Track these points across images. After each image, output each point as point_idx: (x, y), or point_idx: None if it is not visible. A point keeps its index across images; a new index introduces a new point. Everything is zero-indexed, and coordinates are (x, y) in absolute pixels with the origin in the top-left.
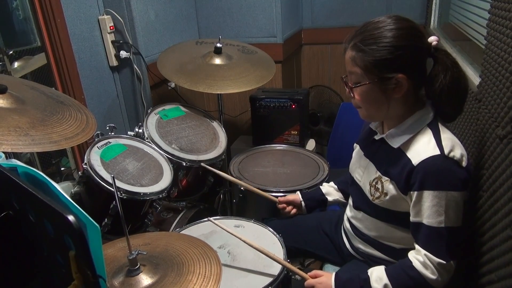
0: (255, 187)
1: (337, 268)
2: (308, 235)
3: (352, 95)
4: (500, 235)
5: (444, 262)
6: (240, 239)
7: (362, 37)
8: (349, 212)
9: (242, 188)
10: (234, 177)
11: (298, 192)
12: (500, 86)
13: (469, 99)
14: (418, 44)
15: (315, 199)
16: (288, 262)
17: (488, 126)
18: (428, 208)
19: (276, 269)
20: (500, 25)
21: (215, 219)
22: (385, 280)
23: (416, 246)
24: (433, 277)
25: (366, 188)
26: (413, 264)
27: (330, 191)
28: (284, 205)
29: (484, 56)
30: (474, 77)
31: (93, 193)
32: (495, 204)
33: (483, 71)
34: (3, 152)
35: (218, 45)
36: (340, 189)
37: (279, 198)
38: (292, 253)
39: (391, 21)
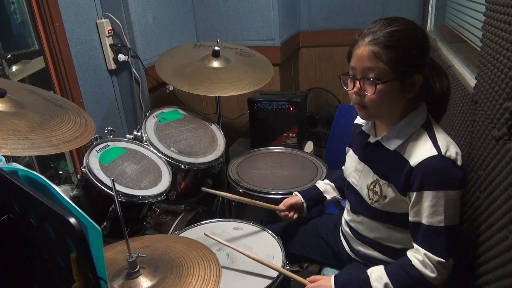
0: (254, 189)
1: (336, 271)
2: (305, 241)
3: (363, 92)
4: (497, 236)
5: (444, 260)
6: (237, 250)
7: (388, 33)
8: (347, 216)
9: (240, 190)
10: (232, 179)
11: (297, 193)
12: (496, 88)
13: (465, 101)
14: (430, 46)
15: (314, 199)
16: (287, 264)
17: (484, 128)
18: (427, 208)
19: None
20: (495, 27)
21: (212, 222)
22: (386, 279)
23: (415, 245)
24: (432, 275)
25: (363, 192)
26: (413, 263)
27: (327, 189)
28: (286, 212)
29: (480, 58)
30: (470, 79)
31: (92, 197)
32: (491, 205)
33: (479, 73)
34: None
35: (216, 48)
36: (337, 187)
37: (280, 205)
38: (290, 259)
39: (411, 21)
